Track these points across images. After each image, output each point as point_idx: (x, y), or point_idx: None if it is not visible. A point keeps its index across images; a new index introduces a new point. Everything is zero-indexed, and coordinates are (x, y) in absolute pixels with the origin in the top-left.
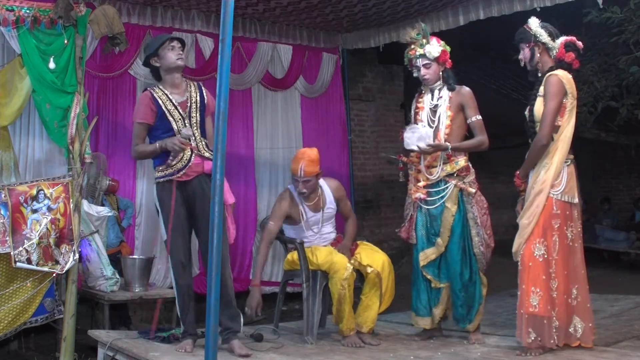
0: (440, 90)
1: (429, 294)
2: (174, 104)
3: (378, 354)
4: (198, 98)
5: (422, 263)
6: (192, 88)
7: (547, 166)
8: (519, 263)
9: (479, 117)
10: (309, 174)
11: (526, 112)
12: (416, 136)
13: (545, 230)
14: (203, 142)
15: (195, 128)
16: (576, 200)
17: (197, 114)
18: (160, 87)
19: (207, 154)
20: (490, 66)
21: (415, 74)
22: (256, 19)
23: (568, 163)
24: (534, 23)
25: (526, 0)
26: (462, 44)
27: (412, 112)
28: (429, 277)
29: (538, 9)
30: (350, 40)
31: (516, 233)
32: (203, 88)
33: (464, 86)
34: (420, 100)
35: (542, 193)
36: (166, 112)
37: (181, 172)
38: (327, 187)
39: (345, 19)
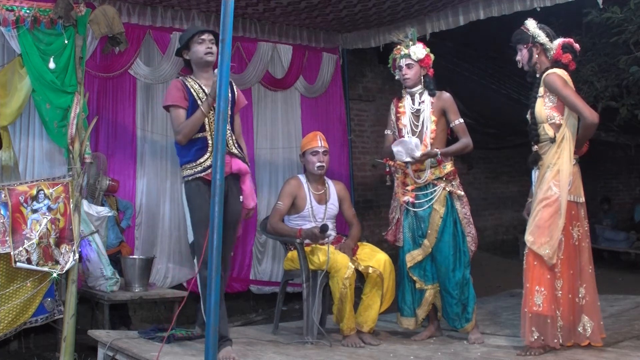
0: (421, 94)
1: (413, 295)
2: (206, 94)
3: (378, 354)
4: (229, 94)
5: (408, 264)
6: None
7: (553, 167)
8: (524, 262)
9: (462, 120)
10: (327, 145)
11: (528, 115)
12: (406, 148)
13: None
14: (233, 138)
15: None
16: (582, 199)
17: (228, 109)
18: (192, 77)
19: (235, 151)
20: (491, 66)
21: (397, 77)
22: (256, 19)
23: (574, 162)
24: (531, 24)
25: (526, 0)
26: (463, 44)
27: (393, 116)
28: (414, 278)
29: (538, 9)
30: (350, 40)
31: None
32: (234, 84)
33: (444, 91)
34: (400, 105)
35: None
36: (197, 100)
37: (209, 170)
38: (332, 185)
39: (345, 19)
